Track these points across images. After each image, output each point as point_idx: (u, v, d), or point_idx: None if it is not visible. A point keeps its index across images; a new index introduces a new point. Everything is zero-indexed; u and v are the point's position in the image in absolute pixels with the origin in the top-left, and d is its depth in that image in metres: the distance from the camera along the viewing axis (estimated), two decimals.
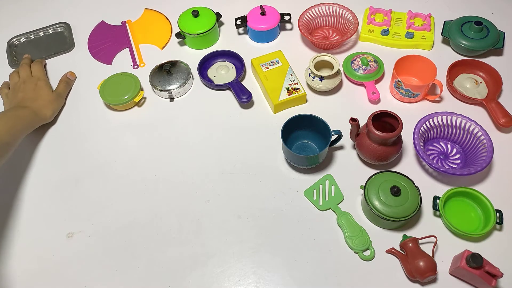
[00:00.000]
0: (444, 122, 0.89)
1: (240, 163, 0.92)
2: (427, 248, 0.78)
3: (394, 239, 0.80)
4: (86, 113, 1.03)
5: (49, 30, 1.22)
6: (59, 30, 1.22)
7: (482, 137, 0.86)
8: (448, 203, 0.83)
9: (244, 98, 0.98)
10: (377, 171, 0.83)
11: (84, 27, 1.21)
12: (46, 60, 1.14)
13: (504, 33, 1.06)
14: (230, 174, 0.91)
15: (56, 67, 1.13)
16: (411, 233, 0.81)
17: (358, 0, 1.17)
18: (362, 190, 0.81)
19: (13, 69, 1.12)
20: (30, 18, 1.24)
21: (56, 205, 0.89)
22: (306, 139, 0.93)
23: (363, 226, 0.81)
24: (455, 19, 1.09)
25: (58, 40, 1.20)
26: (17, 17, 1.26)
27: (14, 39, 1.20)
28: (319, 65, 1.01)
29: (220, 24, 1.18)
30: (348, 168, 0.90)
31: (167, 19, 1.21)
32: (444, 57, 1.06)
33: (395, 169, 0.89)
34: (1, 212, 0.89)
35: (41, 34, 1.21)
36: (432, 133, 0.91)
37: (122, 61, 1.13)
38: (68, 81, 1.07)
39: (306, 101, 1.01)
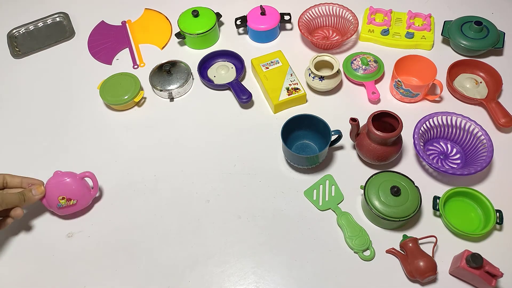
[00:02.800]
0: (444, 122, 0.89)
1: (240, 163, 0.92)
2: (427, 248, 0.78)
3: (394, 239, 0.80)
4: (86, 113, 1.03)
5: (48, 21, 1.23)
6: (58, 19, 1.23)
7: (482, 137, 0.86)
8: (448, 203, 0.83)
9: (244, 98, 0.98)
10: (377, 171, 0.83)
11: (83, 16, 1.23)
12: (48, 49, 1.16)
13: (504, 33, 1.06)
14: (230, 174, 0.91)
15: (58, 56, 1.15)
16: (411, 233, 0.81)
17: (358, 0, 1.17)
18: (362, 190, 0.81)
19: (16, 60, 1.14)
20: (29, 9, 1.26)
21: None
22: (306, 139, 0.93)
23: (363, 226, 0.81)
24: (455, 19, 1.09)
25: (58, 29, 1.21)
26: (16, 9, 1.27)
27: (14, 31, 1.21)
28: (319, 65, 1.01)
29: (220, 24, 1.18)
30: (348, 168, 0.90)
31: (167, 19, 1.21)
32: (444, 57, 1.06)
33: (395, 169, 0.89)
34: None
35: (40, 24, 1.22)
36: (432, 133, 0.91)
37: (122, 61, 1.13)
38: (25, 194, 0.81)
39: (306, 101, 1.01)
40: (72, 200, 0.83)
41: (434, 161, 0.88)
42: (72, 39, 1.19)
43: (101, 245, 0.83)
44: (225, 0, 1.22)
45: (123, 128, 1.00)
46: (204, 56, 1.07)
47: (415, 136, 0.85)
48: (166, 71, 1.04)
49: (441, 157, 0.90)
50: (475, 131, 0.87)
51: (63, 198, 0.82)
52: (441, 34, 1.07)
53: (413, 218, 0.80)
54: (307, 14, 1.11)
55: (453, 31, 1.05)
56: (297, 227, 0.83)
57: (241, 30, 1.17)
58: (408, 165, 0.90)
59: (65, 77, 1.11)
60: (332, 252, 0.80)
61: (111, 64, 1.12)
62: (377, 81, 1.02)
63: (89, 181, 0.87)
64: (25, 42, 1.19)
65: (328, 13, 1.12)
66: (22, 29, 1.21)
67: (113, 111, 1.03)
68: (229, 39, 1.15)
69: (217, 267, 0.80)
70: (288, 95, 0.98)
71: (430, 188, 0.85)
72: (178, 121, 1.00)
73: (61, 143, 0.98)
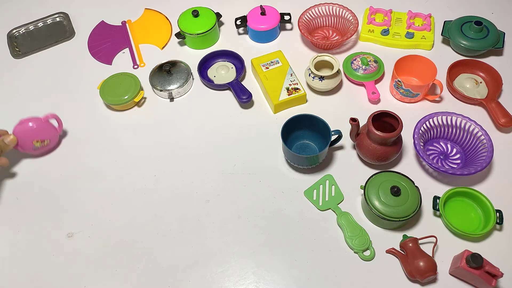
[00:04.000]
0: (444, 122, 0.89)
1: (240, 163, 0.92)
2: (427, 248, 0.78)
3: (394, 239, 0.80)
4: (86, 113, 1.03)
5: (48, 21, 1.23)
6: (58, 20, 1.23)
7: (482, 137, 0.86)
8: (448, 203, 0.83)
9: (244, 98, 0.98)
10: (377, 171, 0.83)
11: (83, 16, 1.23)
12: (48, 49, 1.16)
13: (504, 33, 1.06)
14: (230, 174, 0.91)
15: (58, 56, 1.15)
16: (411, 233, 0.81)
17: (358, 0, 1.17)
18: (362, 190, 0.81)
19: (16, 60, 1.14)
20: (29, 9, 1.26)
21: (56, 205, 0.89)
22: (306, 139, 0.93)
23: (363, 226, 0.81)
24: (455, 19, 1.09)
25: (58, 29, 1.21)
26: (16, 9, 1.27)
27: (14, 31, 1.21)
28: (319, 65, 1.01)
29: (220, 24, 1.18)
30: (348, 168, 0.90)
31: (167, 19, 1.21)
32: (444, 57, 1.06)
33: (395, 169, 0.89)
34: (2, 212, 0.89)
35: (41, 24, 1.22)
36: (432, 133, 0.91)
37: (122, 61, 1.13)
38: None
39: (306, 101, 1.01)
40: (46, 141, 0.93)
41: (434, 161, 0.88)
42: (72, 39, 1.19)
43: (101, 245, 0.83)
44: (225, 0, 1.22)
45: (123, 128, 1.00)
46: (204, 56, 1.07)
47: (415, 136, 0.86)
48: (166, 71, 1.04)
49: (441, 157, 0.90)
50: (475, 131, 0.87)
51: (37, 141, 0.90)
52: (441, 34, 1.07)
53: (413, 218, 0.80)
54: (307, 14, 1.11)
55: (453, 31, 1.05)
56: (297, 227, 0.83)
57: (241, 30, 1.17)
58: (408, 165, 0.90)
59: (65, 77, 1.11)
60: (332, 252, 0.80)
61: (111, 64, 1.12)
62: (377, 81, 1.02)
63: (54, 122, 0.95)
64: (25, 42, 1.19)
65: (328, 13, 1.12)
66: (22, 29, 1.21)
67: (113, 111, 1.03)
68: (229, 39, 1.15)
69: (217, 267, 0.80)
70: (288, 95, 0.98)
71: (430, 188, 0.85)
72: (178, 121, 1.00)
73: (60, 143, 0.98)
